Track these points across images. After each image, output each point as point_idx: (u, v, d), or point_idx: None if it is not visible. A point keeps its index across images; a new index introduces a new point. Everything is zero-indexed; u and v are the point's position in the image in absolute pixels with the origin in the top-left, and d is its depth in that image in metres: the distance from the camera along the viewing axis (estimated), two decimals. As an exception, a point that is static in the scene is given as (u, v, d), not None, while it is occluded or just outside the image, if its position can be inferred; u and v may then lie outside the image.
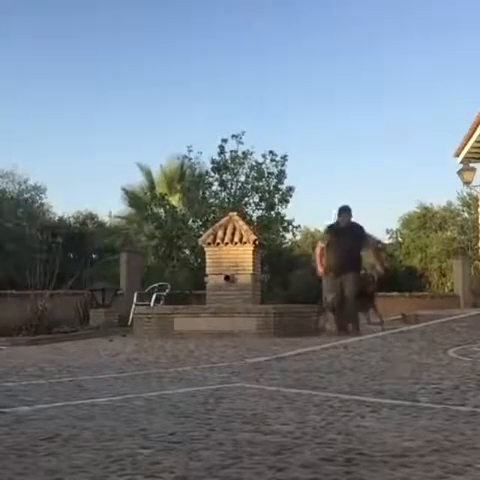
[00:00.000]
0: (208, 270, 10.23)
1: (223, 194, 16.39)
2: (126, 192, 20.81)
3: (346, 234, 8.99)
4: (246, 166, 16.29)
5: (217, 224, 10.53)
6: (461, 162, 15.59)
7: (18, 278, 11.64)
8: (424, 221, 22.07)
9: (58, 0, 29.50)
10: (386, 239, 23.75)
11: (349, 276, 8.84)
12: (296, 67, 33.20)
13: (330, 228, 9.52)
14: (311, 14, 31.77)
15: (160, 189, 19.54)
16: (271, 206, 16.07)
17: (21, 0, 28.77)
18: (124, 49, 31.80)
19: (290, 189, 16.18)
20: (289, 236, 16.97)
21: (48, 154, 31.82)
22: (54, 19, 30.32)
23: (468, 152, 15.22)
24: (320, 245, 9.51)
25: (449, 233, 20.94)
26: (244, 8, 30.89)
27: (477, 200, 17.17)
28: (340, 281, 8.90)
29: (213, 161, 16.21)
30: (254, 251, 10.10)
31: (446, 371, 4.52)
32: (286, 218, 16.26)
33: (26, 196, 19.76)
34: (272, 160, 16.17)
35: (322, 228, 24.45)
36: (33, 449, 2.38)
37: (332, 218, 9.67)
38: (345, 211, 9.22)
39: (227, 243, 10.03)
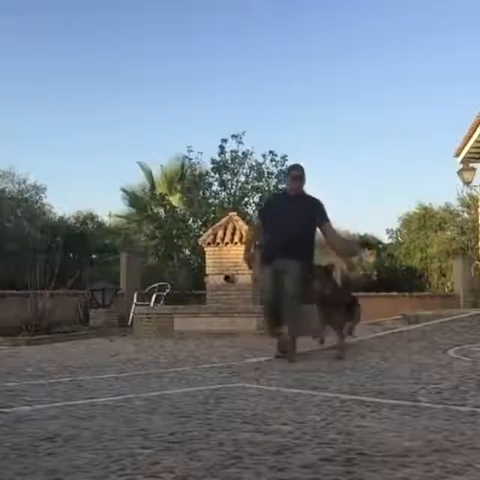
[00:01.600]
0: (208, 270, 10.23)
1: (223, 194, 16.40)
2: (126, 192, 20.81)
3: (294, 206, 5.89)
4: (246, 166, 16.30)
5: (217, 224, 10.53)
6: (461, 162, 15.59)
7: (18, 278, 11.65)
8: (424, 221, 22.08)
9: (58, 0, 29.49)
10: (386, 239, 23.83)
11: (292, 264, 5.63)
12: (296, 67, 33.20)
13: (271, 198, 6.81)
14: (311, 15, 31.78)
15: (160, 189, 19.55)
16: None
17: (20, 0, 28.76)
18: (124, 49, 31.79)
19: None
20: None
21: (48, 154, 31.82)
22: (54, 19, 30.32)
23: (468, 152, 15.22)
24: (255, 223, 6.71)
25: (449, 233, 20.94)
26: (244, 8, 30.89)
27: (477, 200, 17.17)
28: (276, 270, 5.76)
29: (213, 161, 16.22)
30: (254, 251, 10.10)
31: (446, 371, 4.52)
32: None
33: (26, 196, 19.76)
34: (272, 160, 16.18)
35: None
36: (33, 449, 2.38)
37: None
38: (296, 171, 6.07)
39: (227, 243, 10.04)
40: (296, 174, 6.04)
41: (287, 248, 5.70)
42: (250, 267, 6.52)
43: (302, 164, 6.14)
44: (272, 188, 16.04)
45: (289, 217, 5.81)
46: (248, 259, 6.34)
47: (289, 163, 15.91)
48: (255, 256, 6.36)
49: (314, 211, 5.90)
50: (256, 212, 7.07)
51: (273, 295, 5.76)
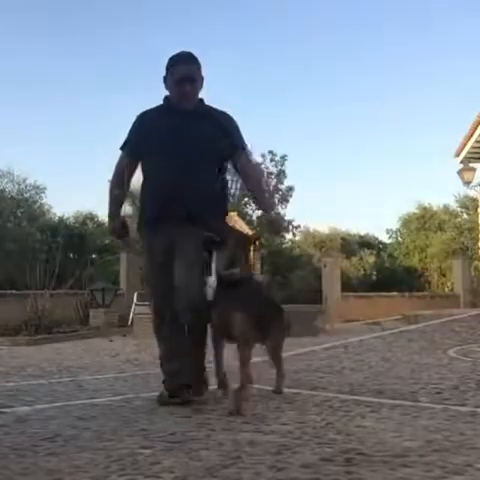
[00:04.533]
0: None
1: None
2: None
3: (188, 128, 3.50)
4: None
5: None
6: (461, 162, 15.59)
7: (18, 278, 11.65)
8: (423, 222, 22.11)
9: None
10: (386, 239, 23.84)
11: (189, 239, 3.34)
12: (295, 66, 33.22)
13: (146, 116, 3.63)
14: (310, 14, 31.77)
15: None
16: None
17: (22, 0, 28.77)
18: (125, 49, 31.82)
19: (290, 189, 16.21)
20: (289, 236, 16.98)
21: (48, 154, 31.84)
22: (55, 19, 30.34)
23: (468, 152, 15.22)
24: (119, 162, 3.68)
25: (448, 234, 20.97)
26: (244, 5, 30.89)
27: (476, 201, 17.18)
28: (166, 248, 3.41)
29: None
30: (254, 251, 10.10)
31: (446, 371, 4.52)
32: (286, 218, 16.28)
33: (26, 196, 19.77)
34: (272, 160, 16.19)
35: (323, 229, 24.59)
36: (33, 449, 2.38)
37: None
38: (184, 64, 3.49)
39: (227, 243, 10.04)
40: (185, 71, 3.45)
41: (181, 203, 3.37)
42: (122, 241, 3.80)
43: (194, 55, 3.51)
44: (272, 188, 16.04)
45: (180, 147, 3.43)
46: (113, 229, 3.73)
47: (288, 163, 16.01)
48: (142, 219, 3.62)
49: (221, 133, 3.51)
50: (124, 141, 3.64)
51: (164, 294, 3.38)
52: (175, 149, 3.46)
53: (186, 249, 3.35)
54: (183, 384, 3.28)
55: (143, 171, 3.63)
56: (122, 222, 3.65)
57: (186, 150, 3.45)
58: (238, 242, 3.40)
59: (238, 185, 16.27)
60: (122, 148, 3.64)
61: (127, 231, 3.66)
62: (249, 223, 12.17)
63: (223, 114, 3.63)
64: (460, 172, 15.34)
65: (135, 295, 12.52)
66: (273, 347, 3.49)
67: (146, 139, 3.54)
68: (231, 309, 3.16)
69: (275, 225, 3.71)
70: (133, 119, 3.64)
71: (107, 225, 3.82)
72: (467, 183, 15.47)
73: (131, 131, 3.63)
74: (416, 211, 22.74)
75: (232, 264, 3.31)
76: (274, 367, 3.55)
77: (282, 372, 3.59)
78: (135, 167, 3.65)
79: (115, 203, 3.69)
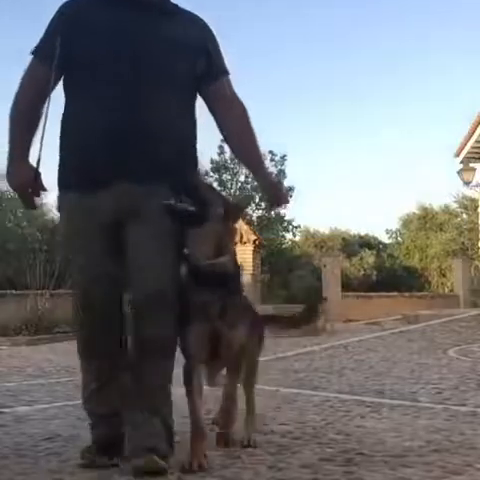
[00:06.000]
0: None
1: (223, 194, 16.44)
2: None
3: (148, 31, 2.20)
4: (246, 166, 16.30)
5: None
6: (461, 162, 15.59)
7: (18, 278, 11.65)
8: (424, 222, 22.12)
9: None
10: (386, 239, 23.85)
11: (157, 204, 2.07)
12: (294, 63, 33.19)
13: (83, 3, 2.25)
14: (309, 13, 31.77)
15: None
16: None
17: None
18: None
19: (290, 189, 16.22)
20: (289, 236, 16.99)
21: (48, 154, 31.83)
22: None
23: (468, 152, 15.22)
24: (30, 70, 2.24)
25: (448, 234, 20.97)
26: (246, 6, 30.89)
27: (476, 201, 17.18)
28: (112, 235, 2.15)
29: (212, 161, 16.26)
30: (254, 251, 10.11)
31: (446, 371, 4.53)
32: (286, 218, 16.29)
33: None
34: (272, 160, 16.21)
35: (323, 229, 24.59)
36: (33, 449, 2.38)
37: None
38: None
39: (227, 243, 10.02)
40: None
41: (133, 145, 2.17)
42: (29, 204, 2.28)
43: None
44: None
45: (134, 55, 2.21)
46: (20, 182, 2.22)
47: (287, 163, 15.98)
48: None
49: (195, 47, 2.32)
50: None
51: (101, 288, 2.26)
52: (125, 58, 2.18)
53: (152, 219, 2.12)
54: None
55: (67, 92, 2.31)
56: (33, 171, 2.21)
57: (143, 62, 2.20)
58: (227, 215, 2.20)
59: (238, 185, 16.27)
60: (35, 53, 2.26)
61: (41, 186, 2.23)
62: (249, 223, 12.17)
63: (198, 20, 2.40)
64: (460, 172, 15.34)
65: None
66: (246, 371, 2.52)
67: (76, 40, 2.21)
68: (223, 320, 2.19)
69: (276, 189, 2.46)
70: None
71: (7, 174, 2.22)
72: (467, 183, 15.47)
73: (51, 28, 2.26)
74: (416, 211, 22.76)
75: (218, 250, 2.15)
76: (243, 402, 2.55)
77: (253, 415, 2.53)
78: (54, 84, 2.25)
79: (20, 138, 2.25)
